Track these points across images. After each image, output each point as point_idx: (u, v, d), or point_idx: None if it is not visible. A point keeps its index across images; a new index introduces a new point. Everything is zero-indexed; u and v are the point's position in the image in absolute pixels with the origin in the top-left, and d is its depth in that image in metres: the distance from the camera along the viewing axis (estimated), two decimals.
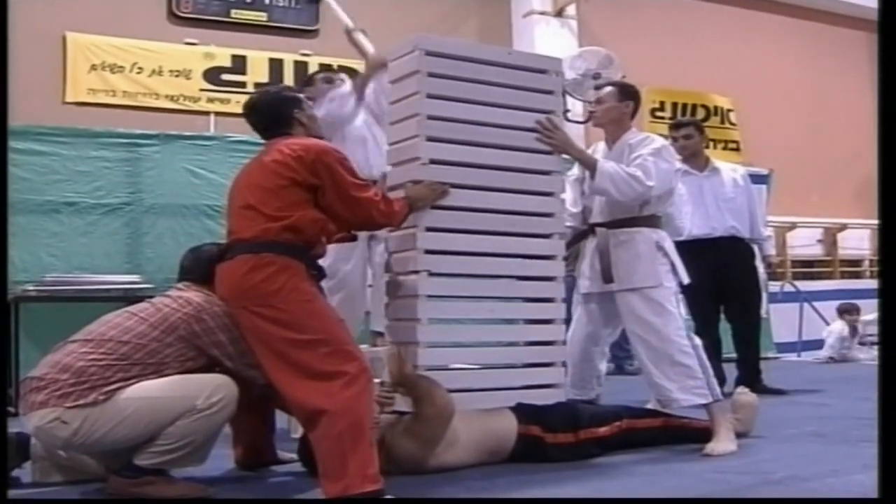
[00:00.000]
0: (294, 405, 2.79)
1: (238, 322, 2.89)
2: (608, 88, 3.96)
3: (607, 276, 3.73)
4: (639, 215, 3.77)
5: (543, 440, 3.34)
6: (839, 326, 8.53)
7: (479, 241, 3.52)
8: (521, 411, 3.39)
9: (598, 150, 3.98)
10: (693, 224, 5.31)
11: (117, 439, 2.80)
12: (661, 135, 4.17)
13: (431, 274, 3.40)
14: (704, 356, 3.64)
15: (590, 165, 3.70)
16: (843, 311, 8.65)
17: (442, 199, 3.41)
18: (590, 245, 3.92)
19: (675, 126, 5.55)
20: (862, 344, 8.61)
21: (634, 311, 3.68)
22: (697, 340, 3.66)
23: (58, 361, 2.84)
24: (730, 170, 5.57)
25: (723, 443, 3.47)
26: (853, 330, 8.50)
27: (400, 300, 3.52)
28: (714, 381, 3.60)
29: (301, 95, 3.27)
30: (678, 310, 3.70)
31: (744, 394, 3.93)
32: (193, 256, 3.25)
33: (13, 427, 3.17)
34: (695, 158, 5.42)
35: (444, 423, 3.15)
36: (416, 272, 3.40)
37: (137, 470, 2.85)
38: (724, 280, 5.31)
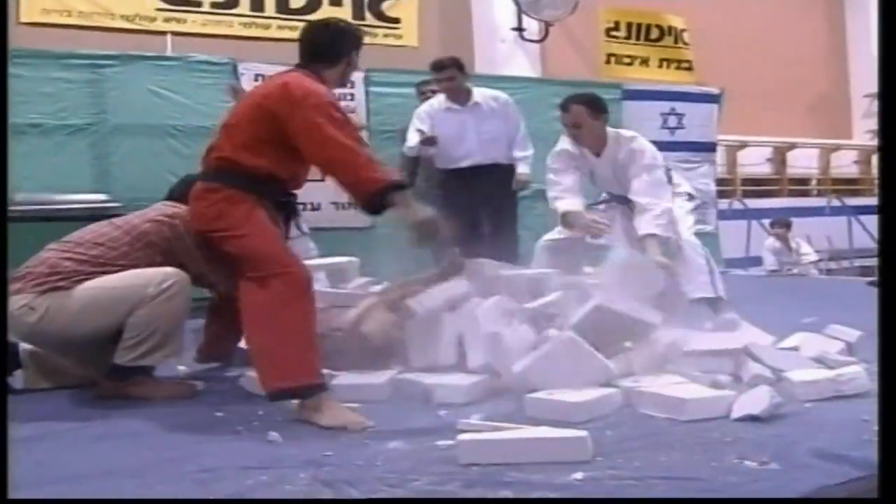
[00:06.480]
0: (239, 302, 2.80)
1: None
2: (576, 108, 4.08)
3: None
4: None
5: None
6: (770, 241, 9.06)
7: None
8: None
9: (587, 156, 4.25)
10: (458, 155, 5.48)
11: (77, 329, 2.98)
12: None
13: None
14: (713, 260, 4.17)
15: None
16: (772, 225, 9.13)
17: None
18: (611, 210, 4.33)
19: (436, 67, 5.41)
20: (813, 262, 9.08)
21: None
22: (705, 248, 4.20)
23: (38, 256, 3.08)
24: (491, 99, 5.56)
25: None
26: (786, 243, 8.96)
27: None
28: (719, 282, 4.11)
29: (363, 38, 3.06)
30: (691, 216, 4.30)
31: None
32: (179, 181, 3.46)
33: None
34: (457, 95, 5.46)
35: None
36: None
37: (122, 370, 3.02)
38: (484, 203, 5.52)
